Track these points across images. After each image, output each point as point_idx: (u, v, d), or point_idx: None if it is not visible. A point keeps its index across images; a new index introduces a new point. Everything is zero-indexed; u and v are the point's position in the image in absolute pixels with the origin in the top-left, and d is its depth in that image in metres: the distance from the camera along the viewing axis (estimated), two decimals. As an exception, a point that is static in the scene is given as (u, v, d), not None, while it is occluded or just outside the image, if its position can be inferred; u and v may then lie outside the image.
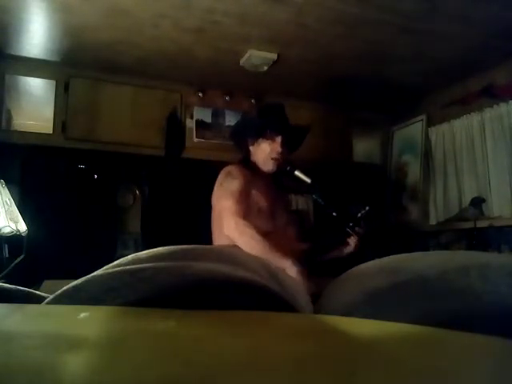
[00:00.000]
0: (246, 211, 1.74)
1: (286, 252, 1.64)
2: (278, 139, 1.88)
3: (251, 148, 1.95)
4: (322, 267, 1.85)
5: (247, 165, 1.92)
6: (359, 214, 1.90)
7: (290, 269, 1.59)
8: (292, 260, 1.61)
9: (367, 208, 1.91)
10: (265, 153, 1.90)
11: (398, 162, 3.30)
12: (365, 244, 1.91)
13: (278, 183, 1.98)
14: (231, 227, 1.69)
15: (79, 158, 2.63)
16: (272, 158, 1.88)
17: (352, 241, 1.90)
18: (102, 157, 2.66)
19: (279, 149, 1.87)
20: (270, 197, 1.89)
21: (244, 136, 1.97)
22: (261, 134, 1.90)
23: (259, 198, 1.84)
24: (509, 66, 2.47)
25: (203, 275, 0.43)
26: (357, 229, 1.89)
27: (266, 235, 1.69)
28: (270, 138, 1.89)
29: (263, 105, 2.09)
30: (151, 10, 2.02)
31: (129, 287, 0.41)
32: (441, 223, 2.86)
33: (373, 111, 3.34)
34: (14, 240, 2.00)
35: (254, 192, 1.83)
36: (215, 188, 1.86)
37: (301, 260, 1.65)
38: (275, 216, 1.89)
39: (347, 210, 1.95)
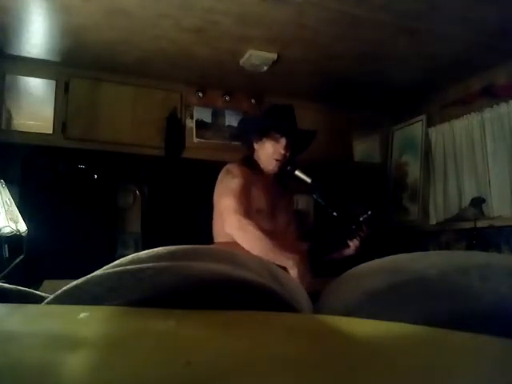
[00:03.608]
0: (248, 210, 1.74)
1: (288, 252, 1.64)
2: (283, 141, 1.87)
3: (255, 145, 1.93)
4: (321, 267, 1.85)
5: (249, 163, 1.91)
6: (361, 218, 1.89)
7: (290, 269, 1.59)
8: (293, 260, 1.60)
9: (369, 212, 1.90)
10: (268, 153, 1.89)
11: (398, 161, 3.30)
12: (365, 245, 1.91)
13: (282, 183, 1.97)
14: (234, 225, 1.68)
15: (79, 157, 2.63)
16: (274, 159, 1.87)
17: (353, 243, 1.89)
18: (101, 157, 2.66)
19: (282, 151, 1.86)
20: (271, 196, 1.88)
21: (249, 133, 1.97)
22: (265, 133, 1.89)
23: (259, 198, 1.83)
24: (509, 65, 2.47)
25: (203, 275, 0.43)
26: (360, 233, 1.89)
27: (268, 234, 1.68)
28: (274, 138, 1.88)
29: (272, 105, 2.08)
30: (151, 10, 2.02)
31: (129, 287, 0.41)
32: (441, 223, 2.86)
33: (373, 111, 3.34)
34: (14, 240, 2.00)
35: (253, 191, 1.82)
36: (216, 186, 1.85)
37: (303, 260, 1.65)
38: (276, 216, 1.89)
39: (349, 210, 1.94)
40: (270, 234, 1.72)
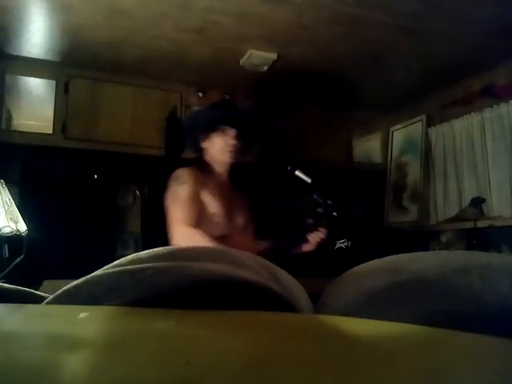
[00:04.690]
0: (198, 217, 1.68)
1: None
2: (231, 132, 1.83)
3: (204, 145, 1.87)
4: (320, 267, 1.84)
5: (199, 166, 1.85)
6: (318, 209, 1.84)
7: None
8: None
9: (328, 202, 1.83)
10: (219, 146, 1.83)
11: (398, 161, 3.30)
12: (361, 245, 1.89)
13: (235, 182, 1.91)
14: (179, 236, 1.63)
15: (79, 157, 2.63)
16: (227, 151, 1.82)
17: (313, 238, 1.84)
18: (101, 157, 2.66)
19: (232, 142, 1.82)
20: (225, 199, 1.82)
21: (195, 132, 1.90)
22: (211, 129, 1.84)
23: (212, 202, 1.77)
24: (509, 66, 2.47)
25: (203, 275, 0.43)
26: (319, 227, 1.83)
27: (221, 239, 1.63)
28: (222, 131, 1.83)
29: (212, 103, 2.04)
30: (151, 10, 2.02)
31: (129, 287, 0.41)
32: (441, 223, 2.86)
33: (373, 111, 3.34)
34: (14, 240, 2.00)
35: (205, 196, 1.77)
36: (166, 194, 1.78)
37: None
38: (232, 218, 1.83)
39: (312, 199, 1.88)
40: (226, 237, 1.68)
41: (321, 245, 1.85)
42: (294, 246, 1.88)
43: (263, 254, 1.73)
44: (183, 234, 1.63)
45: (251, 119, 1.98)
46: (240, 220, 1.88)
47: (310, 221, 1.83)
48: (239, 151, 1.86)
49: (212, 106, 2.02)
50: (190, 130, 1.96)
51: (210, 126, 1.85)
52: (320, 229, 1.85)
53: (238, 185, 1.95)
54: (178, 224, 1.65)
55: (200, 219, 1.70)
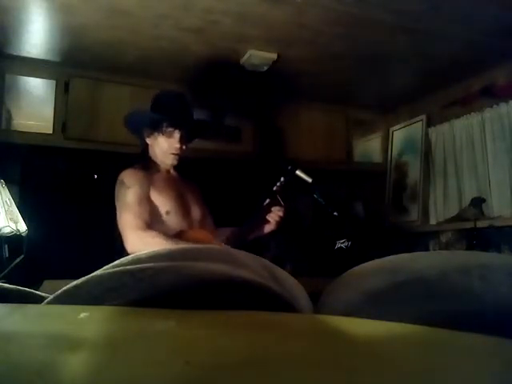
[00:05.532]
0: (150, 218, 1.63)
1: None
2: (176, 135, 1.74)
3: (148, 140, 1.80)
4: (320, 267, 1.83)
5: (144, 163, 1.78)
6: (274, 188, 1.78)
7: None
8: None
9: (282, 179, 1.78)
10: (162, 148, 1.76)
11: (398, 161, 3.30)
12: (365, 245, 1.88)
13: (183, 175, 1.85)
14: (135, 243, 1.57)
15: (79, 157, 2.63)
16: (171, 154, 1.76)
17: (272, 218, 1.79)
18: (102, 157, 2.66)
19: (178, 145, 1.74)
20: (177, 194, 1.76)
21: (139, 126, 1.82)
22: (156, 128, 1.76)
23: (163, 200, 1.72)
24: (509, 66, 2.47)
25: (203, 275, 0.43)
26: (277, 206, 1.77)
27: (178, 236, 1.60)
28: (167, 133, 1.74)
29: (158, 93, 1.86)
30: (151, 10, 2.02)
31: (129, 287, 0.41)
32: (441, 223, 2.86)
33: (373, 111, 3.34)
34: (14, 240, 2.00)
35: (155, 195, 1.71)
36: (115, 200, 1.72)
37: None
38: (188, 212, 1.77)
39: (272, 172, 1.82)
40: (180, 234, 1.63)
41: (281, 223, 1.80)
42: (255, 229, 1.83)
43: (227, 241, 1.70)
44: (137, 240, 1.58)
45: (195, 120, 1.87)
46: (196, 213, 1.82)
47: (267, 201, 1.78)
48: (184, 150, 1.78)
49: (158, 98, 1.86)
50: (135, 122, 1.84)
51: (154, 124, 1.76)
52: (277, 207, 1.79)
53: (188, 177, 1.88)
54: (131, 230, 1.60)
55: (153, 220, 1.65)
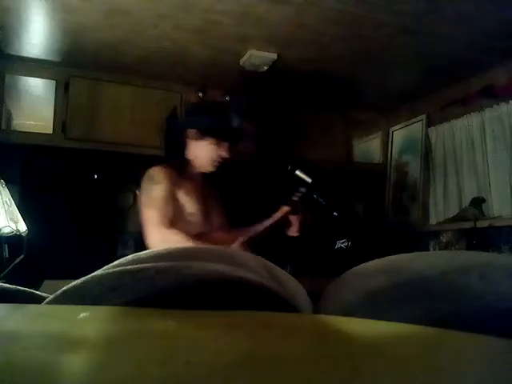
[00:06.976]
0: (174, 217, 1.63)
1: None
2: (225, 145, 1.77)
3: (191, 142, 1.80)
4: (320, 267, 1.83)
5: (176, 164, 1.79)
6: (295, 198, 1.81)
7: None
8: None
9: (303, 189, 1.81)
10: (208, 154, 1.78)
11: (398, 161, 3.30)
12: (365, 245, 1.89)
13: (209, 179, 1.87)
14: (155, 238, 1.58)
15: (79, 157, 2.63)
16: (214, 161, 1.78)
17: (294, 220, 1.80)
18: (102, 157, 2.66)
19: (225, 154, 1.77)
20: (202, 198, 1.78)
21: (184, 128, 1.82)
22: (209, 133, 1.77)
23: (188, 202, 1.73)
24: (509, 66, 2.47)
25: (203, 275, 0.43)
26: (297, 213, 1.80)
27: (199, 237, 1.60)
28: (217, 141, 1.77)
29: (212, 101, 1.95)
30: (151, 10, 2.02)
31: (129, 287, 0.41)
32: (441, 223, 2.86)
33: (373, 111, 3.34)
34: (13, 240, 2.00)
35: (181, 196, 1.72)
36: (140, 194, 1.73)
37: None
38: (209, 216, 1.79)
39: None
40: (200, 236, 1.64)
41: (303, 228, 1.82)
42: (266, 233, 1.84)
43: (248, 243, 1.70)
44: (160, 237, 1.58)
45: (244, 131, 1.92)
46: (217, 217, 1.84)
47: (286, 208, 1.80)
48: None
49: (211, 107, 1.93)
50: (182, 124, 1.89)
51: (204, 131, 1.78)
52: (296, 216, 1.82)
53: (211, 180, 1.89)
54: (155, 227, 1.60)
55: (176, 219, 1.65)
